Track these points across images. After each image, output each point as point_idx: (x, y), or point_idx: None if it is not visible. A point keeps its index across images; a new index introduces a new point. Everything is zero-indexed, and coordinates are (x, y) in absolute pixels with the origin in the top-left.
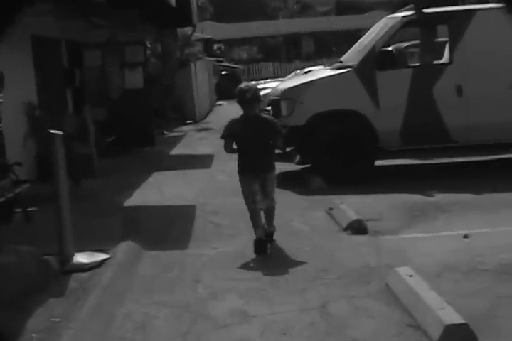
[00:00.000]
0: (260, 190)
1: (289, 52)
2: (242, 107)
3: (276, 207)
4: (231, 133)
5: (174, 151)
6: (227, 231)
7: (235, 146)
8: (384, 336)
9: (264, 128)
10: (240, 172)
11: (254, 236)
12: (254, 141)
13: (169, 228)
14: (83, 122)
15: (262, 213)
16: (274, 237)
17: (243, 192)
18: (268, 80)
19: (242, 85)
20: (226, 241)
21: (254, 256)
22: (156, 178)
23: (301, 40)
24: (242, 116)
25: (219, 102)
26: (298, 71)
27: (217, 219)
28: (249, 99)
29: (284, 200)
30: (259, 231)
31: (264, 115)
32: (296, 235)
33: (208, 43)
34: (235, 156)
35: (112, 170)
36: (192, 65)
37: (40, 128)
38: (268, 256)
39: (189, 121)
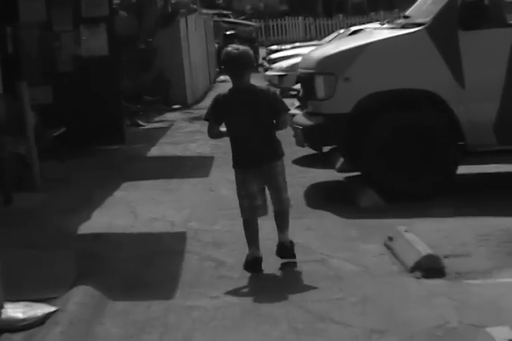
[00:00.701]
0: (262, 190)
1: (328, 3)
2: (231, 77)
3: (302, 226)
4: (217, 113)
5: (154, 151)
6: (233, 272)
7: (223, 129)
8: None
9: (262, 103)
10: (234, 166)
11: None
12: (249, 122)
13: (146, 267)
14: (17, 107)
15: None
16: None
17: (237, 193)
18: (296, 44)
19: (229, 48)
20: (231, 287)
21: (271, 308)
22: (127, 192)
23: None
24: (231, 90)
25: (221, 77)
26: (342, 31)
27: (219, 255)
28: (239, 66)
29: (321, 225)
30: (254, 249)
31: (261, 86)
32: (339, 279)
33: None
34: None
35: (61, 178)
36: (182, 21)
37: None
38: (290, 306)
39: (177, 106)
